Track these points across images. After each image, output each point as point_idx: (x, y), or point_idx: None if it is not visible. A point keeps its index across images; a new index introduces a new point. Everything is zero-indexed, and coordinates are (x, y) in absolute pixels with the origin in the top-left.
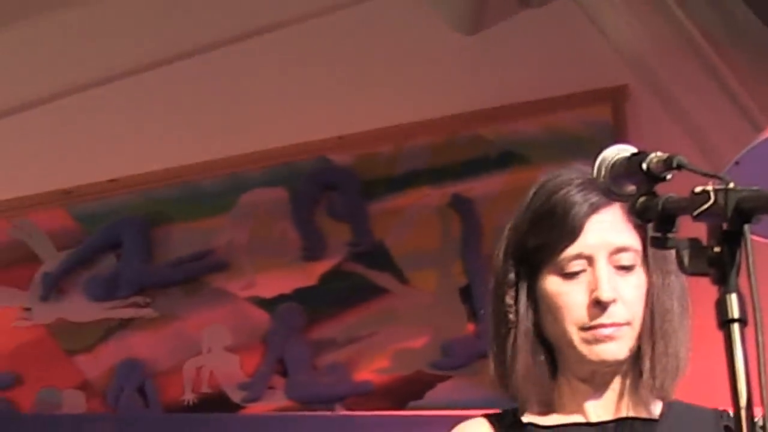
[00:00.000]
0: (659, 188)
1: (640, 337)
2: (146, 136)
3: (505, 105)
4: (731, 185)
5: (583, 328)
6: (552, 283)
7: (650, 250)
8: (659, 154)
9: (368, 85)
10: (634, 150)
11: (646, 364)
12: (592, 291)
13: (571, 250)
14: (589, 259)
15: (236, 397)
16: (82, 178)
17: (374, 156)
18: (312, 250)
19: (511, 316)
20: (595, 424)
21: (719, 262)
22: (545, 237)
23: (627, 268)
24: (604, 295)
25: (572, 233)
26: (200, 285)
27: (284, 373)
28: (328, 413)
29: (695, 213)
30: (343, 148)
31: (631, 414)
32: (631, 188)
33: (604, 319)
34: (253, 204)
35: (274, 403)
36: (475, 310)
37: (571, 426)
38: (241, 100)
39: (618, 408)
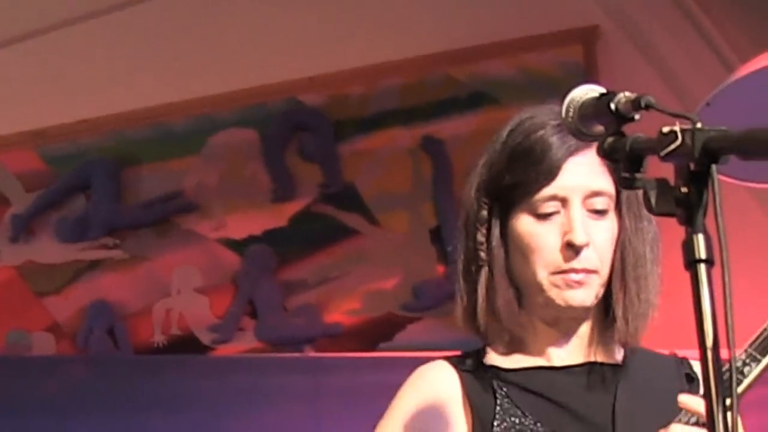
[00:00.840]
0: (628, 129)
1: (610, 283)
2: (117, 77)
3: (475, 45)
4: (699, 125)
5: (554, 272)
6: (524, 224)
7: (624, 195)
8: (627, 94)
9: (339, 25)
10: (603, 90)
11: (619, 310)
12: (565, 234)
13: (547, 191)
14: (564, 202)
15: (206, 338)
16: (51, 119)
17: (345, 97)
18: (282, 192)
19: (483, 254)
20: (559, 368)
21: (686, 203)
22: (521, 175)
23: (600, 213)
24: (578, 238)
25: (549, 173)
26: (170, 226)
27: (254, 315)
28: (298, 355)
29: (662, 153)
30: (313, 89)
31: (595, 359)
32: (600, 129)
33: (575, 264)
34: (223, 145)
35: (243, 344)
36: (446, 252)
37: (535, 369)
38: (212, 41)
39: (582, 352)
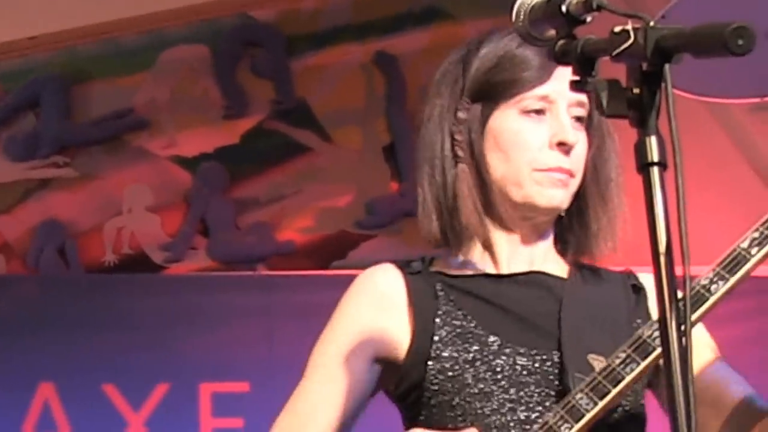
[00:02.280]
0: (579, 32)
1: (584, 198)
2: None
3: None
4: (651, 24)
5: (538, 169)
6: (510, 120)
7: (595, 115)
8: None
9: None
10: None
11: (595, 224)
12: (554, 134)
13: (540, 90)
14: (552, 104)
15: (158, 257)
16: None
17: (297, 12)
18: (234, 108)
19: (461, 153)
20: (505, 275)
21: (638, 104)
22: (514, 73)
23: (580, 121)
24: (570, 137)
25: (542, 74)
26: (121, 144)
27: (206, 233)
28: (251, 273)
29: (614, 53)
30: (265, 3)
31: (543, 269)
32: (551, 33)
33: (562, 163)
34: (174, 61)
35: (196, 263)
36: (400, 169)
37: (481, 276)
38: None
39: (530, 262)
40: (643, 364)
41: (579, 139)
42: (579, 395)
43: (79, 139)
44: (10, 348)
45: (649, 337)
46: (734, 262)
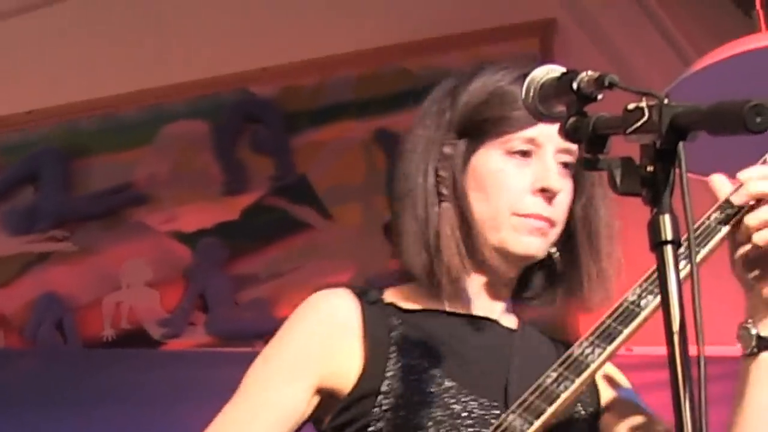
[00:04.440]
0: (590, 109)
1: (575, 248)
2: (66, 66)
3: (431, 37)
4: (666, 101)
5: (517, 214)
6: (494, 160)
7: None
8: (590, 72)
9: (292, 15)
10: (564, 69)
11: (585, 277)
12: (538, 179)
13: (528, 132)
14: (539, 148)
15: (156, 332)
16: (0, 109)
17: (298, 88)
18: (234, 184)
19: (444, 190)
20: (460, 315)
21: (652, 182)
22: (503, 111)
23: (567, 168)
24: (555, 183)
25: (534, 115)
26: (120, 219)
27: (205, 309)
28: (249, 349)
29: (628, 130)
30: (266, 79)
31: (498, 318)
32: (561, 110)
33: (542, 210)
34: (174, 136)
35: (194, 339)
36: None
37: (435, 313)
38: (163, 30)
39: (491, 308)
40: (578, 381)
41: (564, 187)
42: (511, 416)
43: (78, 213)
44: (7, 422)
45: (581, 354)
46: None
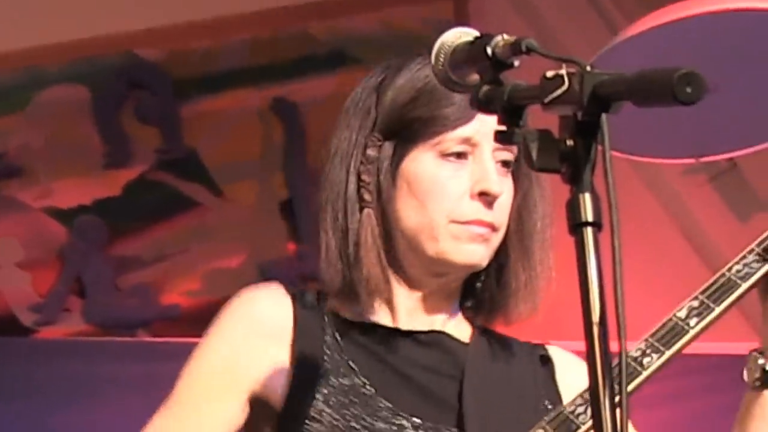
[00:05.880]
0: (506, 77)
1: (505, 251)
2: None
3: None
4: (588, 69)
5: (455, 221)
6: (426, 164)
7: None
8: (506, 36)
9: None
10: (477, 33)
11: (512, 284)
12: (477, 182)
13: (462, 131)
14: (475, 147)
15: (27, 319)
16: None
17: (188, 52)
18: (116, 157)
19: (368, 196)
20: (403, 331)
21: (572, 157)
22: (434, 110)
23: (507, 166)
24: (495, 186)
25: (467, 112)
26: None
27: (82, 294)
28: (131, 339)
29: (546, 100)
30: (152, 42)
31: (445, 329)
32: (474, 78)
33: (483, 215)
34: (50, 103)
35: (70, 326)
36: (297, 227)
37: (377, 327)
38: None
39: (433, 321)
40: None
41: (504, 188)
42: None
43: None
44: None
45: (572, 413)
46: (671, 333)
